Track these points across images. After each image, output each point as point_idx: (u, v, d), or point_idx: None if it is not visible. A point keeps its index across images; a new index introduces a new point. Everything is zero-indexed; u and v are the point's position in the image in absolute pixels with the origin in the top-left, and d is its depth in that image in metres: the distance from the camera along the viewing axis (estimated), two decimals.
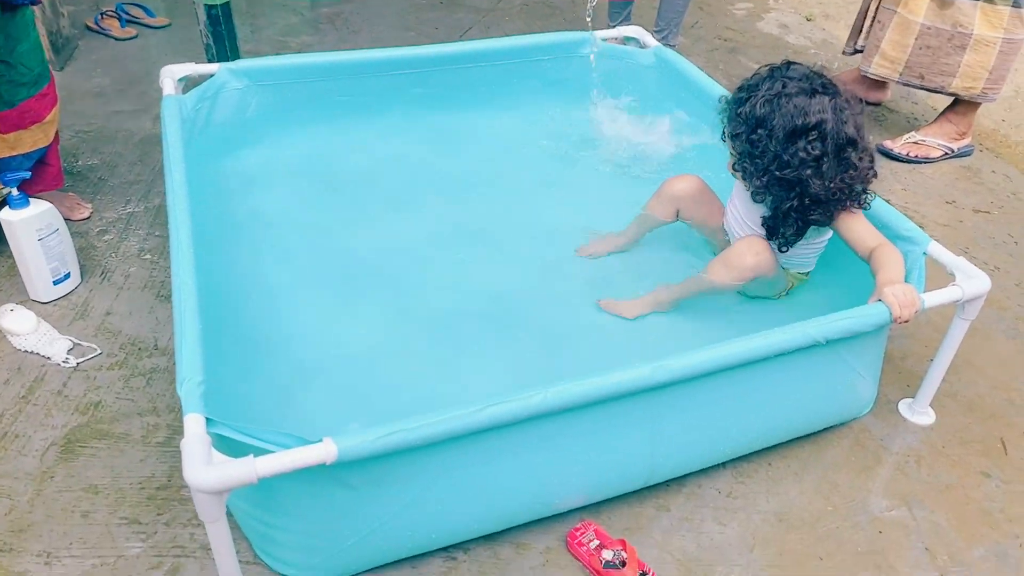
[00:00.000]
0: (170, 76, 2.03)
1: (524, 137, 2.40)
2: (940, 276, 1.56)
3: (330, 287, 1.84)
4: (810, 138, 1.52)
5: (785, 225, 1.63)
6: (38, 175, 1.98)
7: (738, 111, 1.60)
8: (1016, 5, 2.37)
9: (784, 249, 1.67)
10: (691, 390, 1.36)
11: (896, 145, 2.66)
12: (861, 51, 2.79)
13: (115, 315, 1.85)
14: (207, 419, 1.14)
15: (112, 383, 1.68)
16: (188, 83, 2.10)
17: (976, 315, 1.54)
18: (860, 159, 1.56)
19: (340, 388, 1.59)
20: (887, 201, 1.71)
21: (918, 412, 1.71)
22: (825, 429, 1.66)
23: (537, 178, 2.26)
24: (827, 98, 1.54)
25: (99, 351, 1.75)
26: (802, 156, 1.53)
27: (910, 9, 2.48)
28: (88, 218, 2.15)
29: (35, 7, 1.91)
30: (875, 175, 1.60)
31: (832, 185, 1.54)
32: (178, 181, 1.62)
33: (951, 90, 2.54)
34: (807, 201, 1.57)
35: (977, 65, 2.46)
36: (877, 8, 2.65)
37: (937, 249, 1.58)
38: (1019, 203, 2.48)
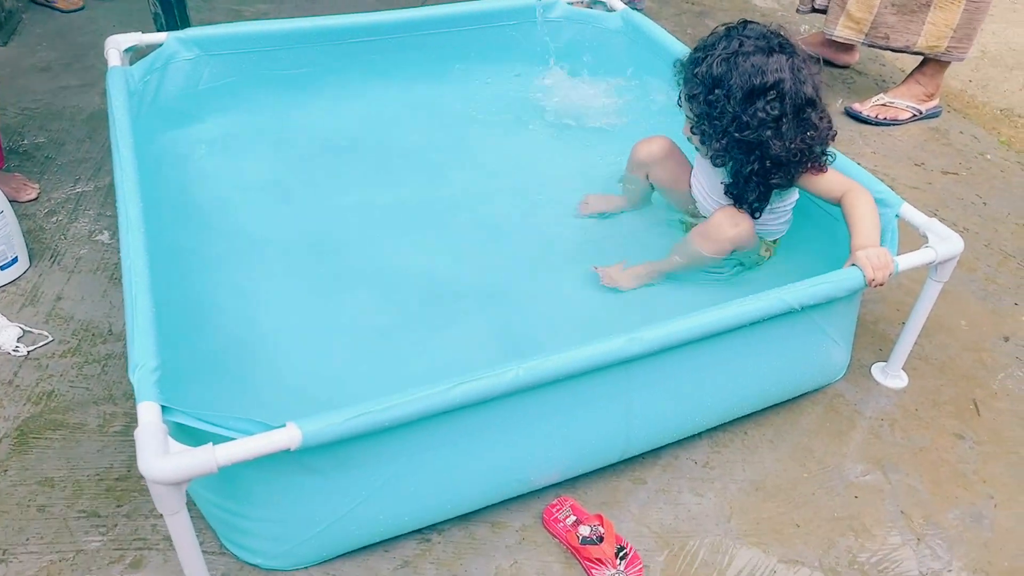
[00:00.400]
0: (115, 47, 1.93)
1: (490, 104, 2.33)
2: (912, 239, 1.54)
3: (290, 265, 1.77)
4: (768, 98, 1.49)
5: (747, 191, 1.60)
6: None
7: (694, 71, 1.56)
8: None
9: (757, 216, 1.64)
10: (666, 361, 1.33)
11: (865, 107, 2.65)
12: (818, 10, 2.76)
13: (66, 300, 1.78)
14: (162, 407, 1.08)
15: (65, 371, 1.61)
16: (137, 55, 2.00)
17: (948, 277, 1.53)
18: (820, 119, 1.54)
19: (305, 370, 1.54)
20: (857, 163, 1.69)
21: (891, 376, 1.71)
22: (800, 396, 1.65)
23: (505, 145, 2.20)
24: (785, 57, 1.50)
25: (51, 338, 1.68)
26: (761, 116, 1.50)
27: None
28: (35, 199, 2.06)
29: None
30: (834, 135, 1.59)
31: (792, 146, 1.52)
32: (126, 157, 1.55)
33: (916, 49, 2.52)
34: (768, 164, 1.54)
35: (942, 23, 2.44)
36: None
37: (909, 211, 1.57)
38: (987, 164, 2.49)
